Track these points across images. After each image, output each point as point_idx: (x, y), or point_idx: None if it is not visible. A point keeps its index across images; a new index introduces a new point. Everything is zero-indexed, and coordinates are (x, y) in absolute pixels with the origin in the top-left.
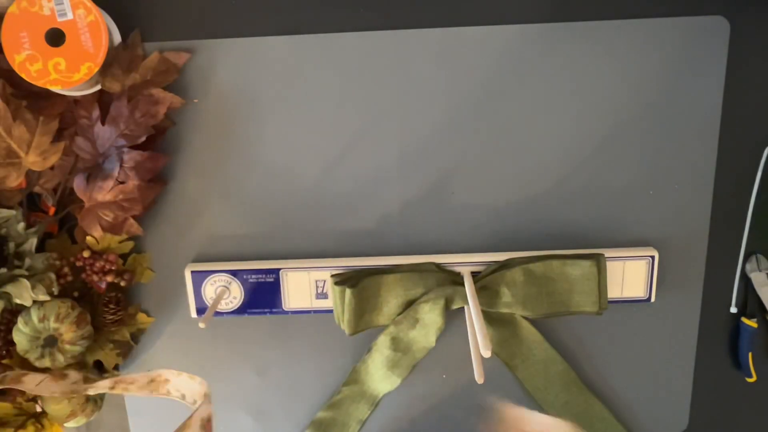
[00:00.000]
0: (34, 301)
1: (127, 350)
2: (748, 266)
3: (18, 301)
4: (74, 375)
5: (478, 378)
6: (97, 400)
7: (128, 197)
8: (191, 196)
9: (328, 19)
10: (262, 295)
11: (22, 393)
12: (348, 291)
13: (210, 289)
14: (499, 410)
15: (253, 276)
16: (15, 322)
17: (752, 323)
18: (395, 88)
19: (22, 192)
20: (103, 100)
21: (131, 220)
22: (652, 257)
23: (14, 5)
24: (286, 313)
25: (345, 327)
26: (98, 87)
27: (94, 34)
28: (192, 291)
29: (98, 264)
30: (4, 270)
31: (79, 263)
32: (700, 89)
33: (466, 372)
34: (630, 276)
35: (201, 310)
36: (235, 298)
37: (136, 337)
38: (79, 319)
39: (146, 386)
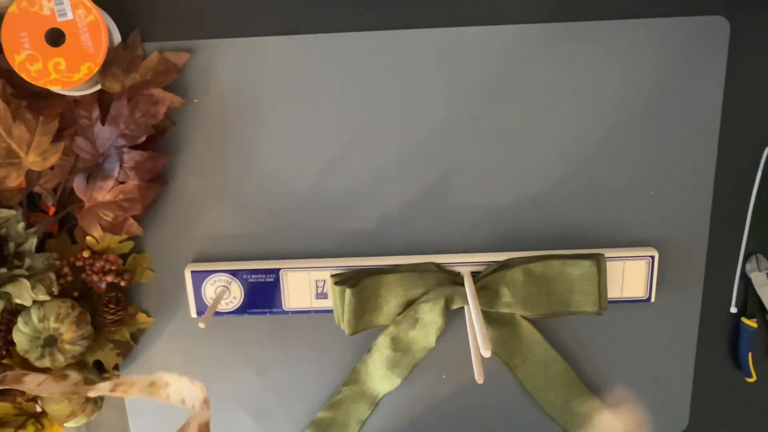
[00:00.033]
0: (34, 301)
1: (127, 350)
2: (748, 266)
3: (18, 301)
4: (75, 376)
5: (478, 378)
6: (97, 401)
7: (128, 197)
8: (191, 196)
9: (328, 19)
10: (262, 295)
11: (22, 393)
12: (348, 291)
13: (210, 289)
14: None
15: (253, 276)
16: (15, 322)
17: (752, 323)
18: (395, 88)
19: (22, 192)
20: (103, 100)
21: (131, 220)
22: (652, 257)
23: (14, 5)
24: (286, 313)
25: (345, 327)
26: (98, 87)
27: (94, 34)
28: (192, 291)
29: (98, 264)
30: (4, 270)
31: (79, 263)
32: (700, 89)
33: (466, 372)
34: (630, 276)
35: (201, 310)
36: (235, 298)
37: (136, 337)
38: (79, 319)
39: (146, 389)
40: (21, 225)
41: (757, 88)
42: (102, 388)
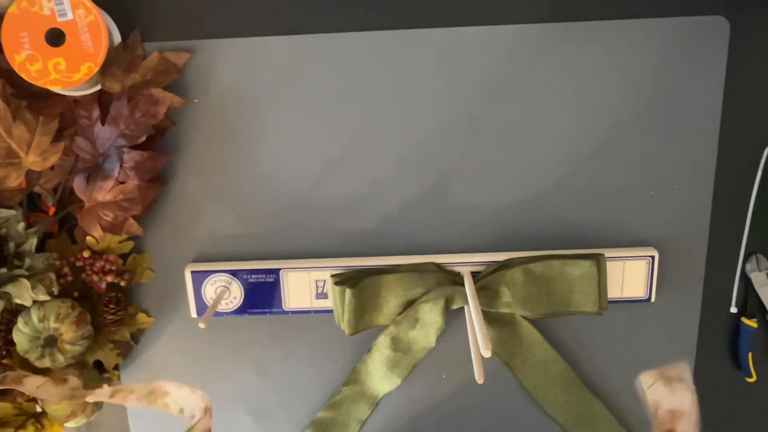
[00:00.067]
0: (34, 301)
1: (127, 350)
2: (748, 266)
3: (18, 301)
4: (74, 381)
5: (478, 378)
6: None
7: (128, 197)
8: (191, 196)
9: (328, 19)
10: (262, 295)
11: (23, 393)
12: (348, 291)
13: (210, 289)
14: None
15: (253, 276)
16: (15, 322)
17: (752, 323)
18: (395, 88)
19: (22, 192)
20: (103, 100)
21: (131, 220)
22: (652, 257)
23: (14, 5)
24: (286, 313)
25: (345, 327)
26: (98, 87)
27: (94, 34)
28: (192, 291)
29: (98, 264)
30: (4, 270)
31: (79, 263)
32: (700, 89)
33: (466, 372)
34: (630, 276)
35: (201, 310)
36: (235, 298)
37: (136, 337)
38: (79, 319)
39: (145, 397)
40: (21, 225)
41: (757, 88)
42: (101, 394)
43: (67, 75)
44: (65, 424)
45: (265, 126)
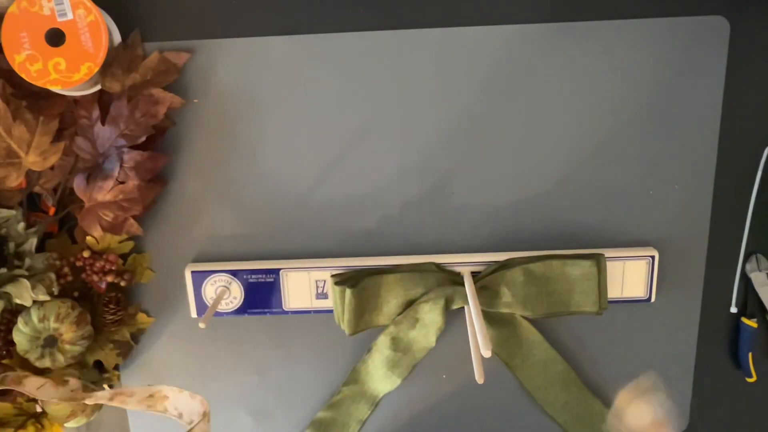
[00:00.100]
0: (34, 301)
1: (127, 350)
2: (748, 266)
3: (18, 301)
4: (74, 382)
5: (478, 378)
6: None
7: (128, 197)
8: (191, 196)
9: (328, 19)
10: (262, 295)
11: (23, 393)
12: (348, 291)
13: (210, 289)
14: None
15: (253, 276)
16: (15, 322)
17: (752, 323)
18: (395, 88)
19: (22, 192)
20: (103, 100)
21: (131, 220)
22: (652, 257)
23: (14, 5)
24: (286, 313)
25: (345, 327)
26: (98, 87)
27: (94, 34)
28: (192, 291)
29: (98, 264)
30: (4, 270)
31: (79, 263)
32: (700, 89)
33: (466, 372)
34: (630, 276)
35: (201, 310)
36: (235, 298)
37: (136, 337)
38: (79, 319)
39: (145, 401)
40: (21, 225)
41: (757, 88)
42: (101, 397)
43: (67, 75)
44: (65, 425)
45: (265, 126)
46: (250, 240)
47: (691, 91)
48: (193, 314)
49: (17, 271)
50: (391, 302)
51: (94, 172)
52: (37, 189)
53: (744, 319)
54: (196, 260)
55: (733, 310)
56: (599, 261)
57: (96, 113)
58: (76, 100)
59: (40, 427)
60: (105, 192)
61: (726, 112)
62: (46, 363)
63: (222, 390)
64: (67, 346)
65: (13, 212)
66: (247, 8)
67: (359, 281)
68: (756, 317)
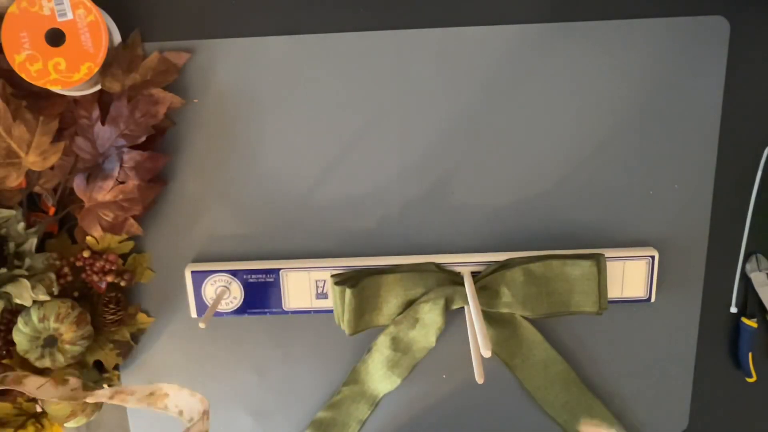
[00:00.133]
0: (34, 301)
1: (127, 350)
2: (748, 266)
3: (18, 301)
4: (74, 382)
5: (478, 378)
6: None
7: (128, 197)
8: (191, 196)
9: (328, 19)
10: (262, 295)
11: (23, 393)
12: (348, 291)
13: (210, 289)
14: None
15: (253, 276)
16: (15, 322)
17: (752, 323)
18: (395, 88)
19: (22, 192)
20: (103, 100)
21: (131, 220)
22: (652, 257)
23: (14, 5)
24: (286, 313)
25: (345, 327)
26: (98, 87)
27: (94, 34)
28: (192, 291)
29: (98, 264)
30: (4, 270)
31: (79, 263)
32: (700, 89)
33: (466, 372)
34: (630, 276)
35: (201, 310)
36: (235, 298)
37: (136, 337)
38: (79, 319)
39: (145, 399)
40: (21, 225)
41: (757, 88)
42: (101, 395)
43: (67, 75)
44: (65, 424)
45: (265, 126)
46: (250, 240)
47: (691, 91)
48: (193, 314)
49: (17, 271)
50: (391, 302)
51: (94, 172)
52: (37, 189)
53: (744, 319)
54: (196, 260)
55: (733, 310)
56: (599, 261)
57: (96, 113)
58: (76, 100)
59: (40, 427)
60: (105, 192)
61: (726, 112)
62: (46, 363)
63: (222, 390)
64: (67, 346)
65: (13, 212)
66: (247, 8)
67: (359, 281)
68: (756, 317)
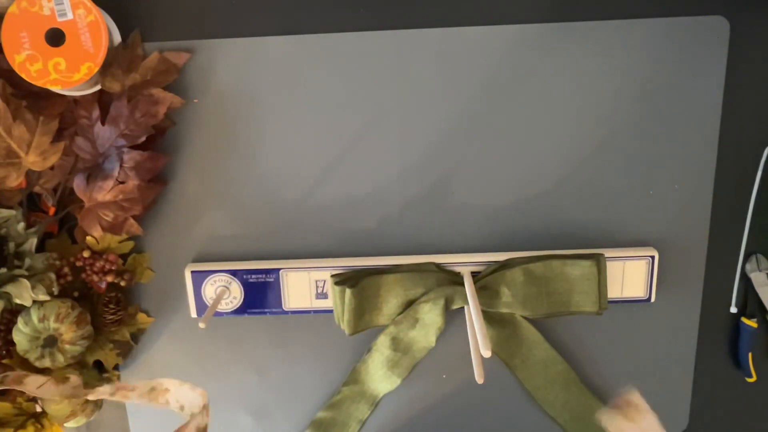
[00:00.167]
0: (34, 301)
1: (127, 350)
2: (748, 266)
3: (18, 301)
4: (75, 380)
5: (478, 378)
6: (97, 401)
7: (128, 197)
8: (191, 196)
9: (328, 19)
10: (262, 295)
11: (22, 393)
12: (348, 291)
13: (210, 289)
14: None
15: (253, 276)
16: (15, 322)
17: (752, 323)
18: (395, 88)
19: (22, 192)
20: (103, 100)
21: (131, 220)
22: (652, 257)
23: (14, 5)
24: (286, 313)
25: (345, 327)
26: (98, 87)
27: (94, 34)
28: (192, 291)
29: (98, 264)
30: (4, 270)
31: (79, 263)
32: (700, 89)
33: (466, 372)
34: (630, 276)
35: (201, 310)
36: (235, 298)
37: (136, 337)
38: (79, 319)
39: (146, 394)
40: (21, 225)
41: (757, 88)
42: (102, 392)
43: (67, 75)
44: (65, 424)
45: (265, 126)
46: (250, 240)
47: (691, 91)
48: (193, 314)
49: (17, 271)
50: (391, 302)
51: (94, 172)
52: (37, 189)
53: (744, 319)
54: (196, 260)
55: (733, 310)
56: (599, 261)
57: (96, 113)
58: (76, 100)
59: (40, 427)
60: (105, 192)
61: (726, 112)
62: (46, 363)
63: (221, 390)
64: (67, 346)
65: (13, 212)
66: (247, 8)
67: (359, 281)
68: (756, 317)
